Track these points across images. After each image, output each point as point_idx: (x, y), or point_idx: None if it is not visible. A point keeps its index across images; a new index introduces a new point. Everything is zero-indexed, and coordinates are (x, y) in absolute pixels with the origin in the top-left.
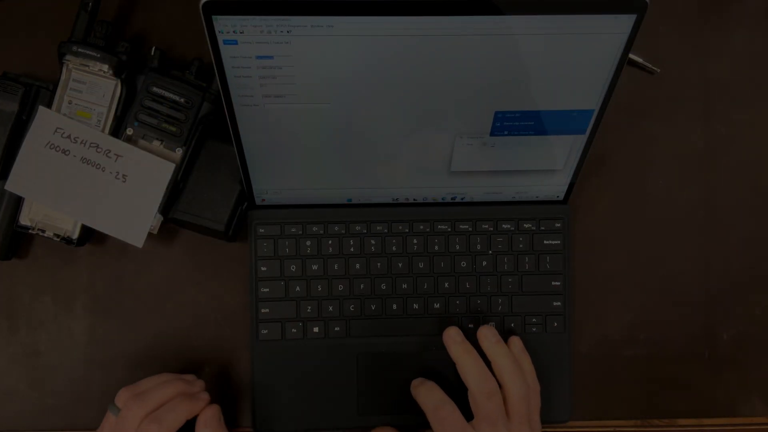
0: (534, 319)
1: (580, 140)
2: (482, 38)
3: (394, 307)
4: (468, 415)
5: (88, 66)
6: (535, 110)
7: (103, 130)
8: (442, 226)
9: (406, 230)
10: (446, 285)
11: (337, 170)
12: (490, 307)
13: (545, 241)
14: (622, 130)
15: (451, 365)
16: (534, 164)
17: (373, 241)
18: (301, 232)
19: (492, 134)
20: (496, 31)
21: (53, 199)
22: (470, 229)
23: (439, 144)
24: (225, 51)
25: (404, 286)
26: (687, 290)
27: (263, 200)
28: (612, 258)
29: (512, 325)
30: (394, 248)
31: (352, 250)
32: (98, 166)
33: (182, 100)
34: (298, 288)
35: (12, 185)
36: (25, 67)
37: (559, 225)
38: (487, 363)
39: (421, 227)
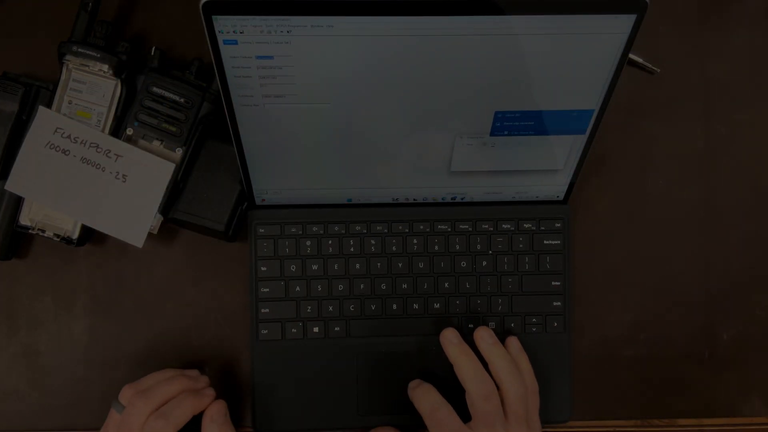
0: (534, 319)
1: (580, 140)
2: (482, 38)
3: (394, 307)
4: (466, 416)
5: (88, 66)
6: (535, 110)
7: (103, 130)
8: (442, 226)
9: (406, 230)
10: (446, 285)
11: (337, 170)
12: (490, 307)
13: (545, 241)
14: (622, 130)
15: (450, 366)
16: (534, 164)
17: (373, 241)
18: (301, 232)
19: (492, 134)
20: (496, 31)
21: (53, 199)
22: (470, 229)
23: (439, 144)
24: (225, 51)
25: (404, 286)
26: (687, 290)
27: (263, 200)
28: (612, 258)
29: (512, 325)
30: (394, 248)
31: (352, 250)
32: (98, 166)
33: (182, 100)
34: (298, 288)
35: (12, 185)
36: (25, 67)
37: (559, 225)
38: (485, 364)
39: (421, 227)
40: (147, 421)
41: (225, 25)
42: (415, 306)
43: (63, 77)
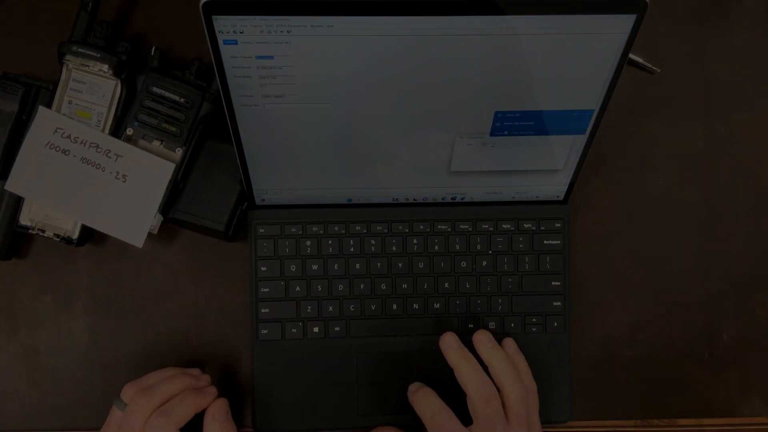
0: (534, 319)
1: (580, 140)
2: (482, 38)
3: (394, 307)
4: (465, 419)
5: (88, 66)
6: (535, 110)
7: (103, 130)
8: (442, 226)
9: (406, 230)
10: (446, 285)
11: (337, 170)
12: (490, 307)
13: (545, 241)
14: (622, 130)
15: (450, 365)
16: (534, 164)
17: (373, 241)
18: (301, 232)
19: (492, 134)
20: (496, 31)
21: (53, 199)
22: (470, 229)
23: (439, 144)
24: (225, 51)
25: (404, 286)
26: (687, 290)
27: (263, 200)
28: (612, 258)
29: (512, 325)
30: (394, 248)
31: (352, 250)
32: (98, 166)
33: (182, 100)
34: (298, 288)
35: (12, 185)
36: (25, 67)
37: (559, 225)
38: (484, 367)
39: (421, 227)
40: (149, 419)
41: (225, 25)
42: (415, 306)
43: (63, 77)
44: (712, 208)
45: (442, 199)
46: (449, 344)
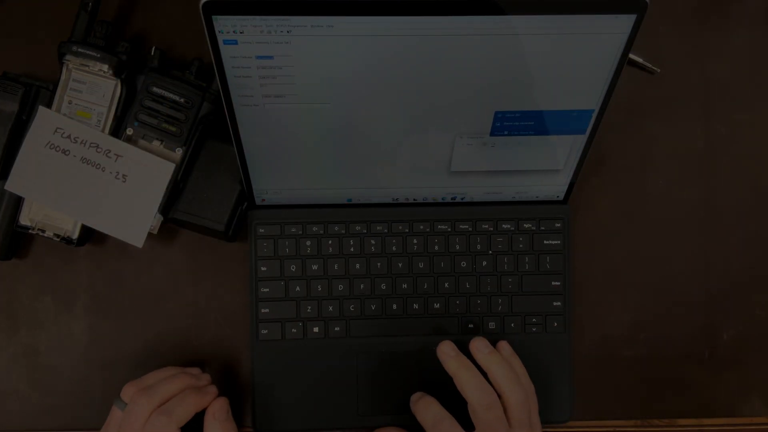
0: (534, 319)
1: (580, 140)
2: (482, 38)
3: (394, 307)
4: (466, 422)
5: (88, 66)
6: (535, 110)
7: (103, 130)
8: (442, 226)
9: (406, 230)
10: (446, 285)
11: (337, 170)
12: (490, 307)
13: (545, 241)
14: (622, 130)
15: None
16: (534, 164)
17: (373, 241)
18: (301, 232)
19: (492, 134)
20: (496, 31)
21: (53, 199)
22: (470, 229)
23: (439, 144)
24: (225, 51)
25: (404, 286)
26: (687, 290)
27: (263, 200)
28: (612, 258)
29: (512, 325)
30: (394, 248)
31: (352, 250)
32: (98, 166)
33: (182, 100)
34: (298, 288)
35: (12, 185)
36: (25, 67)
37: (559, 225)
38: (483, 374)
39: (421, 227)
40: (150, 418)
41: (225, 25)
42: (415, 306)
43: (63, 77)
44: (712, 208)
45: (442, 199)
46: (447, 353)
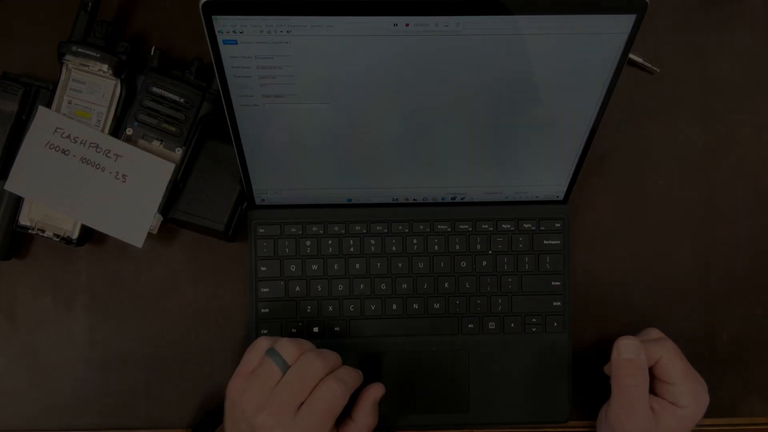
0: (534, 319)
1: (581, 140)
2: (482, 38)
3: (394, 307)
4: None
5: (87, 66)
6: (535, 110)
7: (102, 130)
8: (442, 226)
9: (406, 230)
10: (446, 285)
11: (337, 170)
12: (490, 307)
13: (545, 241)
14: (622, 130)
15: (451, 365)
16: (534, 164)
17: (372, 241)
18: (301, 232)
19: (492, 134)
20: (496, 31)
21: (53, 199)
22: (470, 229)
23: (438, 143)
24: (225, 51)
25: (404, 286)
26: (687, 290)
27: (263, 200)
28: (612, 258)
29: (512, 325)
30: (393, 248)
31: (352, 250)
32: (98, 166)
33: (182, 100)
34: (298, 288)
35: (12, 185)
36: (25, 67)
37: (559, 225)
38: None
39: (421, 227)
40: (324, 381)
41: (225, 25)
42: (415, 306)
43: (63, 77)
44: (712, 208)
45: (442, 199)
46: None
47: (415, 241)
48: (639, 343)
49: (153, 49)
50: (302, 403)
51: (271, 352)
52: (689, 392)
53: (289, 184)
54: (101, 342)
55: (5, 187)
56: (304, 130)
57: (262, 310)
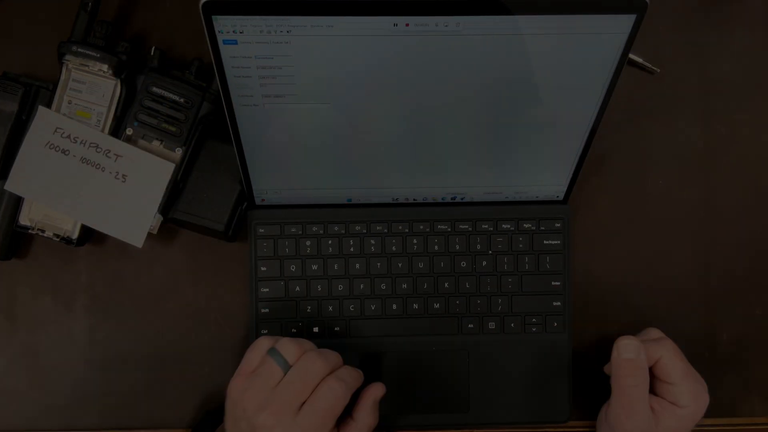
0: (534, 319)
1: (581, 140)
2: (482, 38)
3: (394, 307)
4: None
5: (87, 66)
6: (535, 110)
7: (102, 130)
8: (442, 226)
9: (406, 230)
10: (446, 285)
11: (337, 170)
12: (490, 307)
13: (545, 241)
14: (622, 130)
15: (451, 365)
16: (534, 164)
17: (372, 241)
18: (301, 232)
19: (492, 134)
20: (496, 31)
21: (53, 199)
22: (470, 229)
23: (438, 143)
24: (225, 51)
25: (404, 286)
26: (687, 290)
27: (263, 200)
28: (612, 258)
29: (512, 325)
30: (393, 248)
31: (352, 250)
32: (98, 166)
33: (182, 100)
34: (298, 288)
35: (12, 185)
36: (25, 67)
37: (559, 225)
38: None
39: (421, 227)
40: (324, 381)
41: (225, 25)
42: (415, 306)
43: (63, 77)
44: (712, 208)
45: (442, 199)
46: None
47: (415, 241)
48: (639, 343)
49: (153, 49)
50: (303, 403)
51: (272, 351)
52: (689, 392)
53: (289, 184)
54: (101, 342)
55: (5, 187)
56: (304, 130)
57: (262, 310)
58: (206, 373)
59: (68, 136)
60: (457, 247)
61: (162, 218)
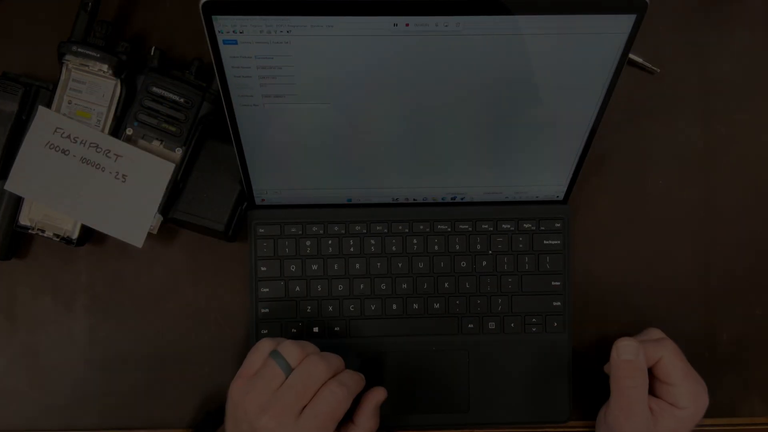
0: (534, 319)
1: (580, 140)
2: (482, 38)
3: (394, 307)
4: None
5: (87, 66)
6: (535, 110)
7: (102, 130)
8: (442, 226)
9: (406, 230)
10: (446, 285)
11: (337, 170)
12: (490, 307)
13: (545, 241)
14: (622, 130)
15: (451, 365)
16: (534, 164)
17: (372, 241)
18: (301, 232)
19: (492, 134)
20: (496, 31)
21: (53, 199)
22: (470, 229)
23: (438, 143)
24: (225, 51)
25: (404, 286)
26: (687, 290)
27: (263, 200)
28: (612, 258)
29: (512, 325)
30: (393, 248)
31: (352, 250)
32: (98, 166)
33: (182, 100)
34: (298, 288)
35: (12, 185)
36: (25, 67)
37: (559, 225)
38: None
39: (421, 227)
40: (326, 385)
41: (225, 25)
42: (415, 306)
43: (63, 77)
44: (712, 208)
45: (442, 199)
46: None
47: (415, 241)
48: (638, 344)
49: (153, 49)
50: (305, 407)
51: (274, 354)
52: (689, 393)
53: (289, 184)
54: (101, 342)
55: (5, 187)
56: (304, 130)
57: (262, 310)
58: (206, 373)
59: (68, 136)
60: (457, 247)
61: (162, 218)
